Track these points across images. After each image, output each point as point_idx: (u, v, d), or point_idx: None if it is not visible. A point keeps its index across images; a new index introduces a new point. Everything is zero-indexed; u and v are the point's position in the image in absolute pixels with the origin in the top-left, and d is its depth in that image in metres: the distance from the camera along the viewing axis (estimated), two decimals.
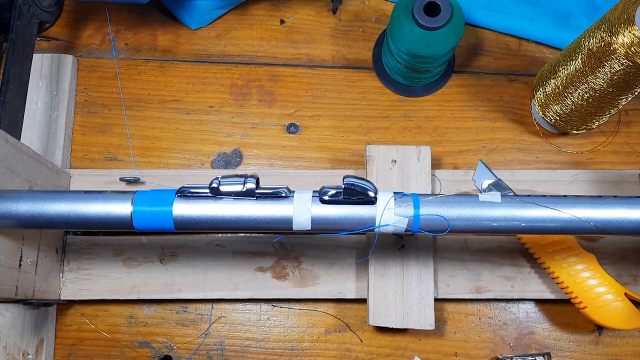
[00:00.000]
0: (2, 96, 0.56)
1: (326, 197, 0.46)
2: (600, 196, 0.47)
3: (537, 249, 0.57)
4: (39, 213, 0.46)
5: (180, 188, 0.47)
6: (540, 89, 0.64)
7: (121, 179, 0.61)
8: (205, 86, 0.69)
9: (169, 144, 0.67)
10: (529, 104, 0.68)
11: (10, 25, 0.59)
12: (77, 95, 0.69)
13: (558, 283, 0.57)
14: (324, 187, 0.46)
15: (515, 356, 0.60)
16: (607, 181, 0.61)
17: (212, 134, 0.68)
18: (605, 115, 0.62)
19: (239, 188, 0.46)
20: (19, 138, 0.57)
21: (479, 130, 0.68)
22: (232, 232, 0.62)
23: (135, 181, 0.61)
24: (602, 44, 0.52)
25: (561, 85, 0.60)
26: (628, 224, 0.46)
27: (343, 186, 0.45)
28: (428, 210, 0.46)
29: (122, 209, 0.46)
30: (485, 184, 0.60)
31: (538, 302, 0.62)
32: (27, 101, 0.59)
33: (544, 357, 0.60)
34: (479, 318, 0.62)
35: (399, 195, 0.47)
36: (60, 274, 0.60)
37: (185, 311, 0.63)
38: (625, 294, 0.55)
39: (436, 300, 0.58)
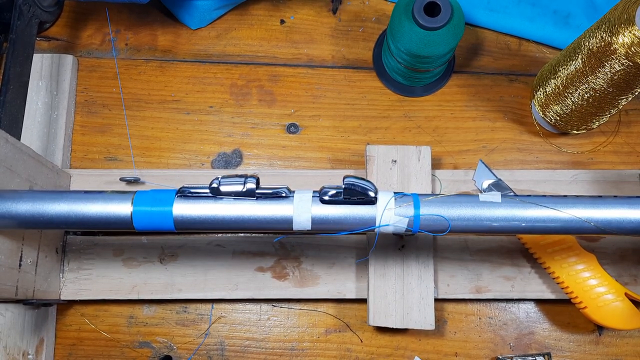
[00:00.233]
0: (2, 96, 0.56)
1: (326, 197, 0.46)
2: (600, 196, 0.47)
3: (537, 249, 0.57)
4: (39, 213, 0.46)
5: (181, 188, 0.47)
6: (541, 89, 0.64)
7: (121, 179, 0.61)
8: (205, 86, 0.69)
9: (169, 144, 0.67)
10: (529, 104, 0.68)
11: (10, 25, 0.59)
12: (77, 95, 0.69)
13: (558, 283, 0.57)
14: (324, 187, 0.46)
15: (515, 356, 0.60)
16: (607, 181, 0.61)
17: (212, 134, 0.68)
18: (606, 115, 0.62)
19: (239, 188, 0.46)
20: (19, 138, 0.57)
21: (479, 130, 0.68)
22: (232, 232, 0.62)
23: (135, 181, 0.61)
24: (603, 44, 0.52)
25: (561, 85, 0.60)
26: (628, 224, 0.46)
27: (343, 186, 0.45)
28: (428, 210, 0.46)
29: (122, 209, 0.46)
30: (485, 184, 0.60)
31: (538, 302, 0.62)
32: (27, 101, 0.59)
33: (544, 357, 0.60)
34: (479, 318, 0.62)
35: (399, 195, 0.47)
36: (60, 274, 0.60)
37: (185, 311, 0.63)
38: (626, 294, 0.55)
39: (436, 300, 0.58)
